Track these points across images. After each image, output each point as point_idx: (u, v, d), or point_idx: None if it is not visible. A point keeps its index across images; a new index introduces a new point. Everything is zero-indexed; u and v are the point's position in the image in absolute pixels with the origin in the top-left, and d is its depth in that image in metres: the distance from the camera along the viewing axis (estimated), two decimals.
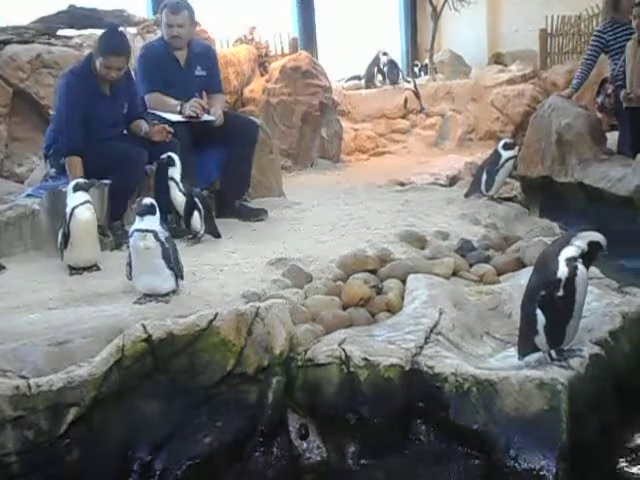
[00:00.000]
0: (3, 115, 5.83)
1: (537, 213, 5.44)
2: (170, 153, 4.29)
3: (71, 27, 6.30)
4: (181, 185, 4.23)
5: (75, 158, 4.15)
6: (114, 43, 4.25)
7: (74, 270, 3.67)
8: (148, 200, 3.27)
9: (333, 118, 7.75)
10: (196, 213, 4.20)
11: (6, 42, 5.88)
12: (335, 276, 3.66)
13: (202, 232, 4.24)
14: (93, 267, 3.71)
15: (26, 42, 5.93)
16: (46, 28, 6.13)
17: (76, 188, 3.69)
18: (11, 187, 4.71)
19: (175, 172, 4.25)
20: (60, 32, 6.29)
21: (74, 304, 3.22)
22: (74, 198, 3.67)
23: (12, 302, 3.22)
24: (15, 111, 5.92)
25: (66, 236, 3.64)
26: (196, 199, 4.23)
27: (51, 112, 5.61)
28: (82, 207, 3.65)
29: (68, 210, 3.65)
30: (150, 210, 3.21)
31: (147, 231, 3.16)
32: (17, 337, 2.65)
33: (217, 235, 4.36)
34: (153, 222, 3.20)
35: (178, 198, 4.23)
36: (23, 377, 2.38)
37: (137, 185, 4.11)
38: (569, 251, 2.48)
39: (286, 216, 5.00)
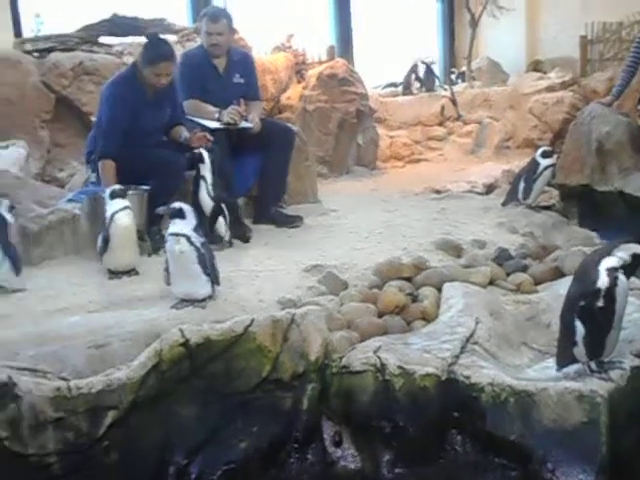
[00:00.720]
0: (46, 121, 5.94)
1: (576, 222, 5.36)
2: (202, 150, 4.34)
3: (113, 35, 6.40)
4: (210, 188, 4.27)
5: (108, 162, 4.22)
6: (162, 50, 4.33)
7: (113, 274, 3.72)
8: (177, 204, 3.30)
9: (369, 125, 7.74)
10: (221, 219, 4.23)
11: (50, 50, 6.00)
12: (370, 283, 3.65)
13: (227, 238, 4.27)
14: (132, 271, 3.76)
15: (69, 50, 6.04)
16: (89, 36, 6.24)
17: (113, 195, 3.75)
18: (53, 192, 4.78)
19: (205, 170, 4.29)
20: (102, 40, 6.40)
21: (113, 308, 3.26)
22: (113, 204, 3.73)
23: (53, 305, 3.28)
24: (57, 117, 6.03)
25: (106, 241, 3.70)
26: (222, 204, 4.25)
27: (92, 118, 5.71)
28: (122, 213, 3.71)
29: (108, 215, 3.71)
30: (178, 214, 3.24)
31: (178, 235, 3.20)
32: (58, 339, 2.71)
33: (245, 241, 4.37)
34: (184, 226, 3.23)
35: (206, 201, 4.27)
36: (64, 379, 2.42)
37: (177, 191, 4.16)
38: (610, 261, 2.44)
39: (322, 223, 5.01)
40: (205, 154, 4.33)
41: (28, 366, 2.44)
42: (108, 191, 3.78)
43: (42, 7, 6.45)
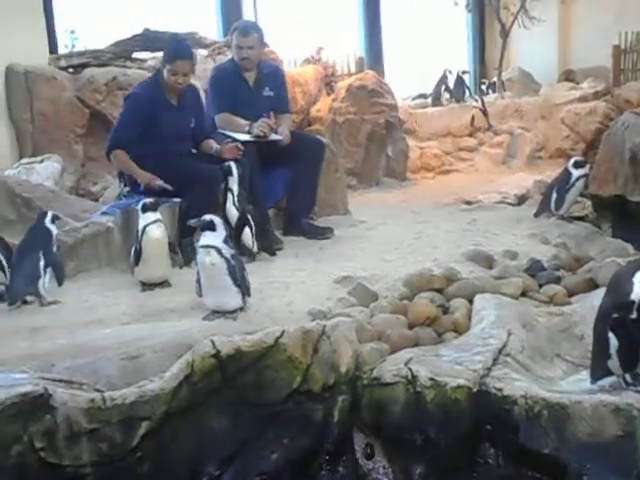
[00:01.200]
0: (80, 136, 6.05)
1: (609, 233, 5.29)
2: (231, 163, 4.37)
3: (146, 50, 6.50)
4: (237, 199, 4.31)
5: (118, 151, 4.31)
6: (178, 48, 4.40)
7: (146, 286, 3.77)
8: (208, 216, 3.33)
9: (399, 136, 7.73)
10: (247, 229, 4.25)
11: (84, 65, 6.12)
12: (401, 295, 3.64)
13: (255, 249, 4.29)
14: (164, 283, 3.81)
15: (103, 65, 6.15)
16: (122, 51, 6.35)
17: (144, 209, 3.79)
18: (87, 205, 4.87)
19: (233, 183, 4.34)
20: (135, 55, 6.50)
21: (145, 319, 3.30)
22: (145, 217, 3.78)
23: (87, 317, 3.34)
24: (91, 132, 6.14)
25: (138, 253, 3.75)
26: (248, 215, 4.28)
27: None
28: (153, 225, 3.76)
29: (140, 228, 3.76)
30: (209, 226, 3.28)
31: (209, 247, 3.23)
32: (92, 351, 2.74)
33: (272, 253, 4.40)
34: (214, 238, 3.25)
35: (232, 212, 4.30)
36: (98, 390, 2.45)
37: (212, 203, 4.19)
38: None
39: (352, 234, 5.01)
40: (233, 166, 4.37)
41: (63, 378, 2.48)
42: (140, 204, 3.83)
43: (76, 23, 6.57)
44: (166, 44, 4.53)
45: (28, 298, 3.53)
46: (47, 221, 3.70)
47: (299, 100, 7.37)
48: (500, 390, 2.54)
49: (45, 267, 3.55)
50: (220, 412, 2.60)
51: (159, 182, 4.22)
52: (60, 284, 3.64)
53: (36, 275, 3.52)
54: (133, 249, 3.79)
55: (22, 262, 3.57)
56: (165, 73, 4.32)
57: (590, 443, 2.39)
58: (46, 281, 3.56)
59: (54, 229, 3.72)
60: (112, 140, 4.38)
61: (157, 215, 3.81)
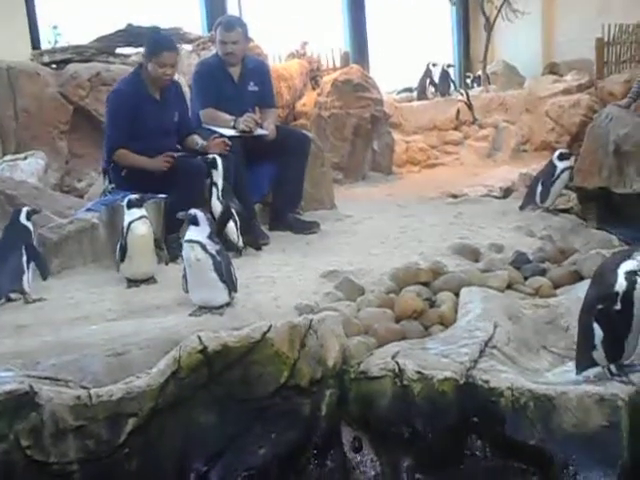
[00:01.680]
0: (64, 132, 6.02)
1: (594, 225, 5.33)
2: (215, 155, 4.35)
3: (129, 45, 6.47)
4: (221, 194, 4.30)
5: (122, 150, 4.28)
6: (162, 41, 4.40)
7: (131, 282, 3.75)
8: (193, 211, 3.32)
9: (384, 130, 7.74)
10: (231, 224, 4.23)
11: (67, 61, 6.08)
12: (387, 289, 3.65)
13: (240, 244, 4.27)
14: (150, 280, 3.79)
15: (86, 61, 6.11)
16: (105, 47, 6.31)
17: (129, 205, 3.77)
18: (71, 202, 4.84)
19: (218, 177, 4.32)
20: (118, 50, 6.46)
21: (132, 316, 3.29)
22: (130, 214, 3.75)
23: (72, 314, 3.31)
24: (75, 128, 6.10)
25: (123, 249, 3.73)
26: (233, 210, 4.27)
27: None
28: (138, 222, 3.74)
29: (125, 224, 3.74)
30: (193, 221, 3.27)
31: (193, 242, 3.22)
32: (78, 348, 2.73)
33: (258, 248, 4.39)
34: (197, 233, 3.24)
35: (216, 206, 4.29)
36: (84, 387, 2.44)
37: (198, 199, 4.17)
38: (630, 264, 2.42)
39: (338, 229, 5.02)
40: (218, 159, 4.35)
41: (49, 375, 2.46)
42: (125, 201, 3.81)
43: (59, 19, 6.53)
44: (149, 38, 4.52)
45: (12, 295, 3.50)
46: (22, 218, 3.69)
47: (284, 95, 7.36)
48: (487, 382, 2.56)
49: (28, 263, 3.53)
50: (207, 408, 2.60)
51: (170, 155, 4.26)
52: (44, 278, 3.63)
53: (19, 272, 3.50)
54: (118, 245, 3.77)
55: (3, 260, 3.54)
56: (150, 67, 4.30)
57: (575, 434, 2.40)
58: (30, 277, 3.54)
59: (30, 225, 3.70)
60: (110, 143, 4.35)
61: (142, 211, 3.78)
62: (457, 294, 3.40)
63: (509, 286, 3.65)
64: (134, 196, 3.83)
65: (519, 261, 3.94)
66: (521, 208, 5.23)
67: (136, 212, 3.75)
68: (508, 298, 3.38)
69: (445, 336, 2.99)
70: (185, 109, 4.64)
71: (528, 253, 4.09)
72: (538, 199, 5.11)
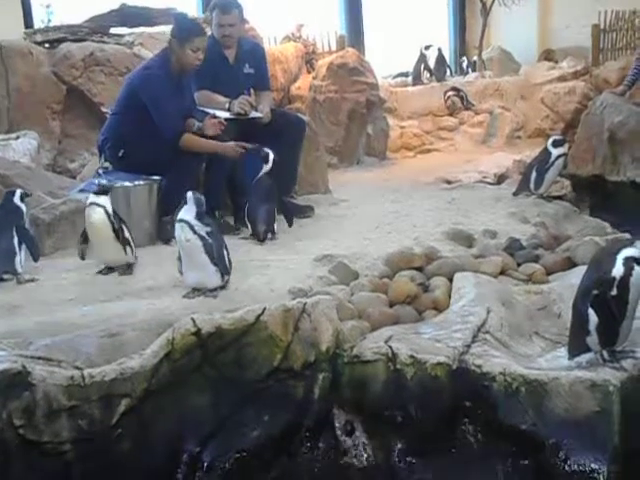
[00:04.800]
0: (57, 112, 5.97)
1: (587, 212, 5.35)
2: (269, 151, 4.40)
3: (123, 25, 6.41)
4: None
5: (186, 135, 4.27)
6: (193, 26, 4.44)
7: (104, 269, 3.64)
8: (189, 193, 3.29)
9: (379, 115, 7.72)
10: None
11: (60, 40, 6.02)
12: (381, 273, 3.65)
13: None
14: (120, 269, 3.62)
15: (80, 40, 6.05)
16: (99, 27, 6.25)
17: (95, 190, 3.66)
18: (64, 182, 4.81)
19: (264, 171, 4.42)
20: (112, 30, 6.40)
21: (125, 297, 3.28)
22: (90, 198, 3.62)
23: (65, 295, 3.31)
24: (68, 108, 6.05)
25: (84, 233, 3.65)
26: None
27: (104, 109, 5.74)
28: (89, 208, 3.58)
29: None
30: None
31: (181, 221, 3.21)
32: (71, 329, 2.73)
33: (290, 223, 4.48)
34: (185, 213, 3.23)
35: None
36: (77, 368, 2.43)
37: (193, 182, 4.15)
38: (630, 251, 2.42)
39: (332, 213, 5.01)
40: (271, 155, 4.39)
41: (42, 355, 2.46)
42: (94, 188, 3.70)
43: None
44: (178, 24, 4.50)
45: (4, 276, 3.49)
46: (16, 199, 3.67)
47: (279, 78, 7.33)
48: (479, 367, 2.57)
49: (19, 244, 3.52)
50: (201, 389, 2.60)
51: (243, 145, 4.31)
52: (35, 260, 3.62)
53: (11, 253, 3.49)
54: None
55: None
56: (183, 52, 4.26)
57: (567, 419, 2.42)
58: (22, 258, 3.53)
59: (23, 206, 3.68)
60: (172, 128, 4.25)
61: (101, 199, 3.59)
62: (451, 279, 3.41)
63: (502, 272, 3.66)
64: (102, 182, 3.76)
65: (512, 247, 3.95)
66: (515, 194, 5.23)
67: (94, 198, 3.61)
68: (501, 284, 3.39)
69: (438, 321, 3.00)
70: (192, 93, 4.64)
71: (522, 239, 4.09)
72: (532, 186, 5.11)
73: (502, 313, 2.94)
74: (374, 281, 3.54)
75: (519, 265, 3.76)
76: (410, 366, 2.64)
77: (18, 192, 3.71)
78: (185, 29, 4.35)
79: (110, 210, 3.60)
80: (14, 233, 3.52)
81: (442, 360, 2.61)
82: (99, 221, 3.58)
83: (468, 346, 2.67)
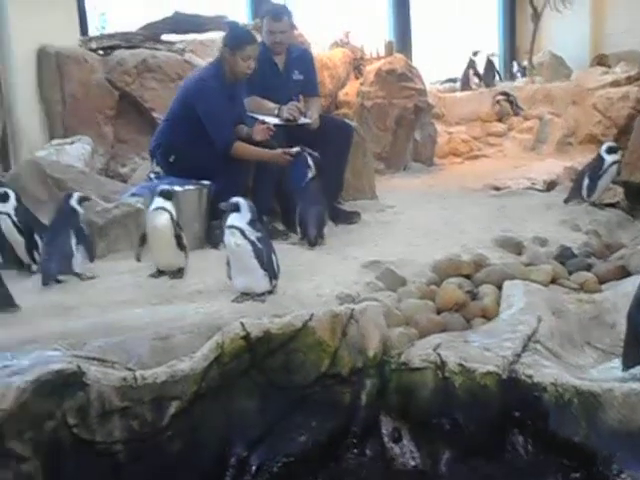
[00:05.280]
0: (110, 117, 6.08)
1: None
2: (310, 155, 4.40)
3: (174, 32, 6.51)
4: None
5: (238, 143, 4.34)
6: (245, 35, 4.53)
7: (159, 272, 3.67)
8: (235, 198, 3.33)
9: (427, 121, 7.67)
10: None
11: (114, 47, 6.14)
12: (429, 280, 3.63)
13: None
14: (175, 273, 3.66)
15: (133, 47, 6.17)
16: (152, 34, 6.36)
17: (158, 194, 3.69)
18: (116, 187, 4.91)
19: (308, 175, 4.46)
20: (164, 37, 6.51)
21: (175, 301, 3.33)
22: (154, 202, 3.67)
23: (117, 297, 3.37)
24: (120, 114, 6.16)
25: (143, 237, 3.71)
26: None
27: (155, 114, 5.84)
28: (156, 212, 3.63)
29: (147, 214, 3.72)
30: (233, 208, 3.28)
31: (233, 227, 3.24)
32: (123, 330, 2.77)
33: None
34: (238, 220, 3.26)
35: None
36: (129, 369, 2.48)
37: (242, 187, 4.20)
38: None
39: (379, 219, 5.01)
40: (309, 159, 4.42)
41: (96, 356, 2.51)
42: (158, 190, 3.75)
43: (107, 6, 6.60)
44: (230, 33, 4.59)
45: (61, 277, 3.57)
46: (73, 201, 3.75)
47: (327, 84, 7.34)
48: (530, 377, 2.53)
49: (77, 245, 3.62)
50: (249, 394, 2.61)
51: (290, 152, 4.38)
52: (91, 260, 3.72)
53: (69, 254, 3.58)
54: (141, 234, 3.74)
55: (53, 242, 3.63)
56: (234, 61, 4.35)
57: (620, 431, 2.37)
58: (79, 260, 3.62)
59: (80, 209, 3.77)
60: (225, 140, 4.33)
61: (166, 203, 3.65)
62: (499, 287, 3.37)
63: (553, 280, 3.60)
64: (165, 187, 3.79)
65: (564, 255, 3.89)
66: (566, 202, 5.15)
67: (159, 202, 3.66)
68: (552, 292, 3.34)
69: (487, 329, 2.96)
70: (243, 100, 4.70)
71: (573, 247, 4.03)
72: (585, 193, 5.02)
73: (553, 322, 2.90)
74: (422, 288, 3.52)
75: (570, 274, 3.70)
76: (459, 374, 2.61)
77: (76, 195, 3.80)
78: (237, 38, 4.41)
79: (175, 216, 3.66)
80: (71, 235, 3.62)
81: (492, 369, 2.58)
82: (164, 226, 3.64)
83: (518, 355, 2.63)
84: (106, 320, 2.96)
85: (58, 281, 3.56)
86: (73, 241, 3.61)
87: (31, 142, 5.72)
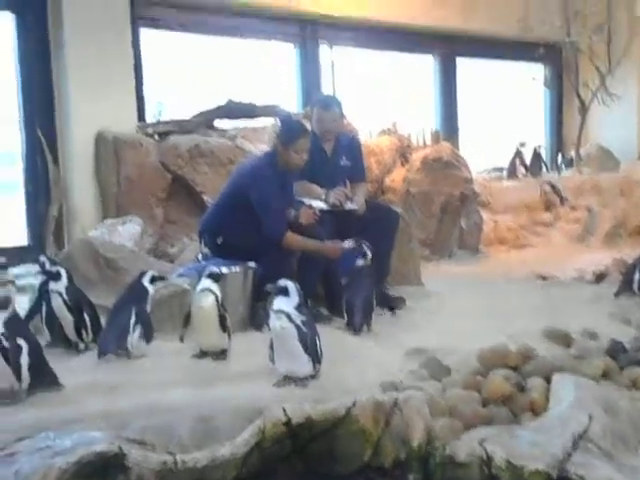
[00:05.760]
0: (161, 199, 6.24)
1: None
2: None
3: (227, 118, 6.74)
4: None
5: (289, 234, 4.40)
6: (297, 127, 4.61)
7: (201, 353, 3.69)
8: (283, 281, 3.36)
9: (473, 209, 7.70)
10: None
11: (169, 133, 6.37)
12: (474, 370, 3.55)
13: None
14: (219, 354, 3.67)
15: (187, 132, 6.39)
16: (205, 120, 6.59)
17: (206, 275, 3.74)
18: (165, 267, 4.97)
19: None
20: (216, 123, 6.73)
21: (217, 383, 3.31)
22: (201, 283, 3.71)
23: (161, 377, 3.37)
24: (171, 195, 6.32)
25: (187, 317, 3.73)
26: None
27: (205, 197, 5.99)
28: (202, 293, 3.66)
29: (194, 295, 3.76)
30: (282, 291, 3.30)
31: (280, 312, 3.25)
32: (165, 411, 2.77)
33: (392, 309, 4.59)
34: (284, 304, 3.28)
35: None
36: (170, 453, 2.45)
37: (289, 270, 4.24)
38: None
39: (424, 305, 4.97)
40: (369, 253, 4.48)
41: (137, 437, 2.49)
42: (206, 271, 3.79)
43: (164, 94, 6.90)
44: (283, 126, 4.73)
45: (112, 354, 3.58)
46: (145, 280, 3.80)
47: (374, 169, 7.45)
48: (582, 477, 2.43)
49: (135, 324, 3.63)
50: None
51: (342, 247, 4.45)
52: (148, 342, 3.70)
53: (125, 331, 3.60)
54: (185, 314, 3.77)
55: (115, 317, 3.68)
56: (287, 154, 4.47)
57: None
58: (135, 338, 3.64)
59: (151, 288, 3.80)
60: (278, 230, 4.40)
61: (212, 285, 3.69)
62: (547, 380, 3.28)
63: (604, 376, 3.49)
64: (214, 269, 3.82)
65: (615, 350, 3.78)
66: (616, 295, 5.04)
67: (206, 283, 3.69)
68: (603, 388, 3.23)
69: (536, 425, 2.87)
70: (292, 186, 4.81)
71: (624, 342, 3.92)
72: (636, 286, 4.93)
73: (605, 420, 2.80)
74: (466, 378, 3.44)
75: (622, 369, 3.58)
76: (506, 471, 2.52)
77: (149, 273, 3.84)
78: (289, 132, 4.53)
79: (220, 298, 3.69)
80: (133, 312, 3.65)
81: (541, 467, 2.48)
82: (210, 307, 3.66)
83: (569, 454, 2.54)
84: (148, 400, 2.96)
85: (109, 353, 3.57)
86: (132, 319, 3.62)
87: (85, 222, 5.90)
